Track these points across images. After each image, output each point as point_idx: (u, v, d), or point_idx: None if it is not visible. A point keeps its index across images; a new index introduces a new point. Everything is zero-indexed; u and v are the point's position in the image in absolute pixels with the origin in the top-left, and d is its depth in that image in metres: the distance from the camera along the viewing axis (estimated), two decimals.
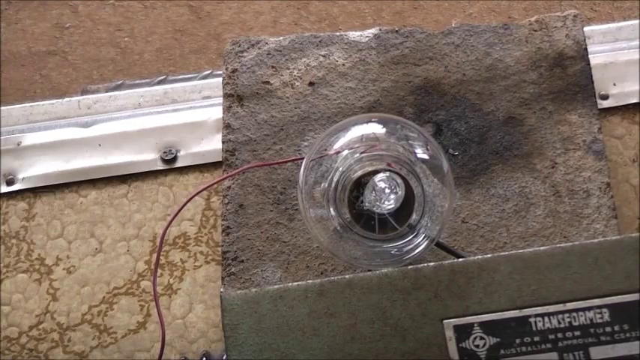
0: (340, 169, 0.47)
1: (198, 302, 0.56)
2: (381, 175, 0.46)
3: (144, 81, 0.68)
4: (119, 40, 0.72)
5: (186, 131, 0.61)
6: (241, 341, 0.41)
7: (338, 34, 0.59)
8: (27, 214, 0.59)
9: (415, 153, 0.47)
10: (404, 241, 0.46)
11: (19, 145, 0.61)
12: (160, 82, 0.67)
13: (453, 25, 0.60)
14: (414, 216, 0.46)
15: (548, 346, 0.40)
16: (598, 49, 0.61)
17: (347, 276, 0.42)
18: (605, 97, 0.59)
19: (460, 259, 0.43)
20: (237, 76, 0.58)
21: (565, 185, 0.54)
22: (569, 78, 0.57)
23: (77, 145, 0.61)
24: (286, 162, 0.54)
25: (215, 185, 0.58)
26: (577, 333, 0.40)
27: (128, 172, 0.60)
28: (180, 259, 0.57)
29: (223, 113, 0.57)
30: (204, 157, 0.60)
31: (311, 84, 0.58)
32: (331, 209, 0.47)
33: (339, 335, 0.41)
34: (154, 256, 0.57)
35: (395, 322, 0.41)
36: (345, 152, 0.47)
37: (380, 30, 0.59)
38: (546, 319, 0.40)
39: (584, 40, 0.58)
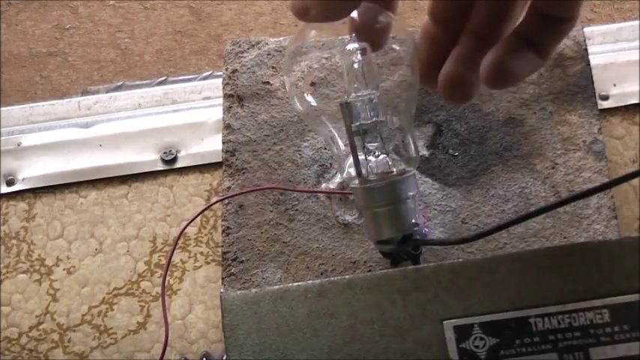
0: None
1: (198, 303, 0.56)
2: None
3: (144, 82, 0.68)
4: (119, 41, 0.72)
5: (187, 132, 0.61)
6: (241, 342, 0.41)
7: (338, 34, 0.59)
8: (27, 214, 0.59)
9: None
10: None
11: (19, 145, 0.61)
12: (160, 83, 0.67)
13: None
14: None
15: (548, 346, 0.40)
16: (598, 50, 0.61)
17: (347, 276, 0.42)
18: (605, 98, 0.59)
19: (460, 260, 0.42)
20: (237, 76, 0.58)
21: (565, 186, 0.54)
22: (570, 78, 0.57)
23: (77, 146, 0.61)
24: (303, 192, 0.54)
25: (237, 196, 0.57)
26: (577, 334, 0.40)
27: (128, 173, 0.60)
28: (181, 260, 0.57)
29: (223, 114, 0.57)
30: (205, 157, 0.60)
31: (312, 84, 0.58)
32: None
33: (339, 336, 0.40)
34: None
35: (395, 322, 0.41)
36: None
37: None
38: (546, 319, 0.40)
39: (584, 40, 0.58)
